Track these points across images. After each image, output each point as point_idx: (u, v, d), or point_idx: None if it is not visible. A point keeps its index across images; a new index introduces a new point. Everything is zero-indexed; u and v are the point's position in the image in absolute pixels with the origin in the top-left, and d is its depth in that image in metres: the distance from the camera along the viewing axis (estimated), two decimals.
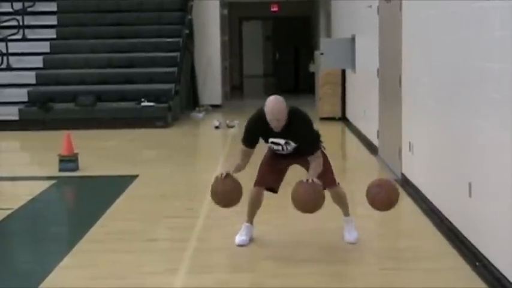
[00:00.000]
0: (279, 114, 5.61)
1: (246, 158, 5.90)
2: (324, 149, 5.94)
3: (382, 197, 5.67)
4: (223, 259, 5.89)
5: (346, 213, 6.17)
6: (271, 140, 5.83)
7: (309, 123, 5.81)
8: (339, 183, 6.06)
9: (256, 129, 5.81)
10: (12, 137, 13.67)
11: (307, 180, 5.52)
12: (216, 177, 5.87)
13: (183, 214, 7.35)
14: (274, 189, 6.09)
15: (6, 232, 7.05)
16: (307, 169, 5.85)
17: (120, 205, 7.79)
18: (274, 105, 5.63)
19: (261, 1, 22.55)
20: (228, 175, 5.81)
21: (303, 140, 5.76)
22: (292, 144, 5.79)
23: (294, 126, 5.70)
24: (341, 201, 6.12)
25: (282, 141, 5.79)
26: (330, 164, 5.98)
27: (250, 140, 5.86)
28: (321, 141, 5.93)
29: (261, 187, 6.04)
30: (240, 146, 5.93)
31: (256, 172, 6.08)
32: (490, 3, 5.15)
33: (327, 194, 5.84)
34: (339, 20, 16.05)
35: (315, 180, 5.54)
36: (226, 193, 5.79)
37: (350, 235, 6.07)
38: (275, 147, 5.87)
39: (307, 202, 5.52)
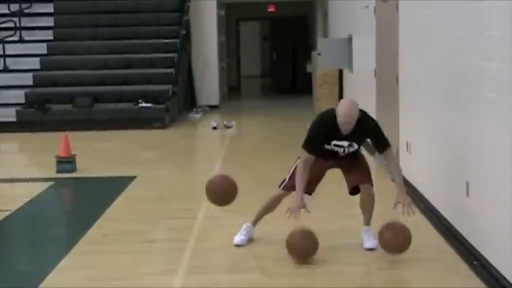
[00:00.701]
0: (352, 118, 5.55)
1: (309, 167, 5.69)
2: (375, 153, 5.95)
3: (396, 244, 5.62)
4: (221, 260, 5.89)
5: (368, 221, 6.01)
6: (334, 142, 5.71)
7: (378, 125, 5.82)
8: (373, 186, 5.93)
9: (325, 133, 5.67)
10: (9, 139, 13.66)
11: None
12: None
13: (181, 215, 7.35)
14: (308, 192, 5.93)
15: (4, 234, 7.05)
16: (347, 174, 5.90)
17: (118, 206, 7.78)
18: (349, 109, 5.55)
19: (258, 1, 22.55)
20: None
21: (376, 140, 5.76)
22: (355, 146, 5.76)
23: (362, 129, 5.65)
24: (369, 204, 5.94)
25: (346, 143, 5.73)
26: (367, 165, 5.97)
27: (317, 144, 5.67)
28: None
29: (288, 191, 5.95)
30: (304, 156, 5.69)
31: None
32: (486, 3, 5.16)
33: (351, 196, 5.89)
34: (336, 20, 16.07)
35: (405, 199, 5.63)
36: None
37: (369, 242, 5.92)
38: (336, 149, 5.75)
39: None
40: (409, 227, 6.80)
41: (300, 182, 5.65)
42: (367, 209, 5.98)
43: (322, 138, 5.67)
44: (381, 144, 5.75)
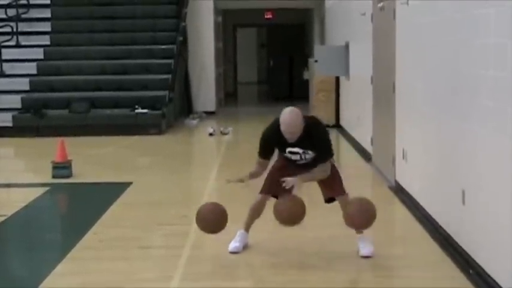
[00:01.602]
0: (294, 127, 5.60)
1: (261, 168, 5.92)
2: (334, 161, 5.96)
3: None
4: (217, 266, 5.89)
5: (359, 231, 6.01)
6: (288, 149, 5.79)
7: (326, 133, 5.85)
8: (347, 194, 5.98)
9: (272, 141, 5.80)
10: (5, 144, 13.64)
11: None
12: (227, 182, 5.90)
13: (177, 221, 7.34)
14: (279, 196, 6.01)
15: (0, 239, 7.04)
16: (320, 184, 5.94)
17: (114, 212, 7.77)
18: (289, 119, 5.60)
19: (256, 8, 22.58)
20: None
21: (320, 149, 5.76)
22: (311, 154, 5.78)
23: (311, 136, 5.69)
24: None
25: (299, 150, 5.76)
26: (339, 175, 5.97)
27: (265, 152, 5.87)
28: (332, 151, 5.94)
29: (266, 195, 6.00)
30: (257, 158, 5.91)
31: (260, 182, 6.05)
32: (483, 10, 5.17)
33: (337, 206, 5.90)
34: (333, 27, 16.09)
35: (302, 181, 5.66)
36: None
37: (365, 249, 5.92)
38: (293, 156, 5.83)
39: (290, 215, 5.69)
40: (405, 235, 6.82)
41: (251, 171, 5.89)
42: None
43: (270, 145, 5.83)
44: (321, 156, 5.78)
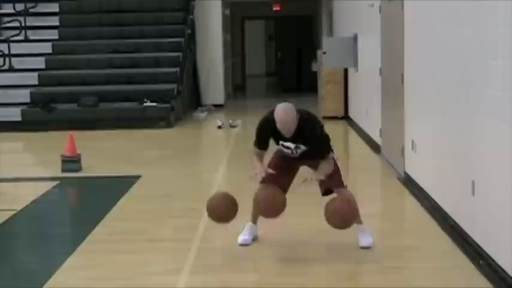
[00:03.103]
0: (287, 123, 5.62)
1: (261, 157, 5.95)
2: (334, 154, 5.94)
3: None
4: (226, 259, 5.89)
5: (358, 221, 6.00)
6: (281, 143, 5.84)
7: (320, 128, 5.83)
8: (346, 186, 5.99)
9: (267, 133, 5.84)
10: (15, 138, 13.67)
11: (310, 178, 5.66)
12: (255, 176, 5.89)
13: (186, 214, 7.35)
14: (283, 189, 6.03)
15: (10, 233, 7.06)
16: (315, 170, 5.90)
17: (123, 205, 7.79)
18: (283, 115, 5.62)
19: (264, 0, 22.53)
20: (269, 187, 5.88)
21: (315, 145, 5.76)
22: (302, 148, 5.80)
23: (305, 131, 5.69)
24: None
25: (292, 145, 5.80)
26: (338, 167, 5.95)
27: (261, 143, 5.90)
28: (331, 146, 5.93)
29: (268, 185, 5.98)
30: (253, 149, 5.94)
31: None
32: (493, 0, 5.14)
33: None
34: (341, 19, 16.05)
35: (320, 176, 5.66)
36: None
37: (364, 240, 5.95)
38: (285, 150, 5.87)
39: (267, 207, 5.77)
40: (415, 226, 6.82)
41: (255, 158, 5.90)
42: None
43: (265, 137, 5.87)
44: (319, 151, 5.79)
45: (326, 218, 5.71)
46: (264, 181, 5.97)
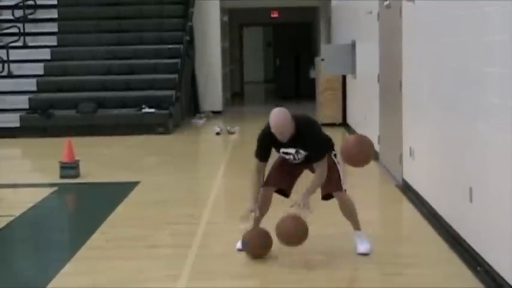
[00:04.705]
0: (281, 127, 5.63)
1: (261, 173, 5.93)
2: (335, 156, 5.95)
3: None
4: (224, 265, 5.89)
5: (356, 227, 6.01)
6: (282, 150, 5.85)
7: (316, 131, 5.84)
8: (345, 190, 5.98)
9: (267, 143, 5.84)
10: (13, 144, 13.68)
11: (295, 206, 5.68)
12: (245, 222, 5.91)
13: (184, 220, 7.35)
14: (285, 193, 6.06)
15: (8, 239, 7.06)
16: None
17: (121, 212, 7.79)
18: (276, 119, 5.64)
19: (262, 7, 22.58)
20: (255, 225, 5.92)
21: (311, 147, 5.76)
22: (303, 153, 5.80)
23: (302, 135, 5.71)
24: (348, 211, 6.00)
25: (292, 150, 5.81)
26: (338, 170, 5.94)
27: (262, 154, 5.89)
28: (333, 149, 5.94)
29: (269, 187, 6.00)
30: (254, 161, 5.93)
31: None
32: (490, 7, 5.16)
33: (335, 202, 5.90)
34: (339, 26, 16.08)
35: (307, 198, 5.67)
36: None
37: (362, 246, 5.94)
38: (287, 156, 5.88)
39: (291, 236, 5.72)
40: (412, 232, 6.82)
41: (252, 188, 5.90)
42: (348, 215, 6.03)
43: (266, 147, 5.86)
44: (314, 155, 5.79)
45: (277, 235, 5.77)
46: (266, 183, 5.98)
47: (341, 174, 5.95)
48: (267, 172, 6.03)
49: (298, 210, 5.66)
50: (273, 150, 5.92)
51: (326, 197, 6.01)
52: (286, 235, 5.73)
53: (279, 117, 5.65)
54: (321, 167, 5.76)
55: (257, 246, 5.88)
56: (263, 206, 6.04)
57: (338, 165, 5.94)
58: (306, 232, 5.72)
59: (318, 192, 5.96)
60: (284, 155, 5.89)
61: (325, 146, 5.85)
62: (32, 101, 15.03)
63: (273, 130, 5.65)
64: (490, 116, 5.20)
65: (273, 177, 5.99)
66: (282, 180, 5.98)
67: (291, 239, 5.76)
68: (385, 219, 7.65)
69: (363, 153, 5.87)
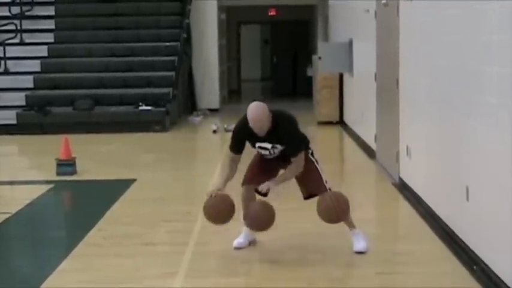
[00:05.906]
0: (259, 121, 5.68)
1: (234, 165, 5.96)
2: (312, 155, 5.95)
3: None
4: (221, 263, 5.90)
5: (350, 225, 6.01)
6: (258, 144, 5.88)
7: (294, 126, 5.86)
8: (330, 189, 5.94)
9: (242, 136, 5.88)
10: (10, 141, 13.67)
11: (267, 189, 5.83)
12: (208, 196, 5.93)
13: (181, 218, 7.35)
14: (264, 192, 6.05)
15: (4, 236, 7.05)
16: (298, 181, 5.99)
17: (118, 209, 7.79)
18: (254, 113, 5.70)
19: (259, 5, 22.56)
20: (218, 194, 5.89)
21: (288, 143, 5.79)
22: (279, 148, 5.83)
23: (279, 130, 5.74)
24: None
25: (268, 145, 5.83)
26: (318, 169, 5.94)
27: (236, 146, 5.93)
28: (309, 147, 5.95)
29: (249, 185, 6.02)
30: (228, 153, 5.99)
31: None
32: (487, 6, 5.17)
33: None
34: (336, 24, 16.08)
35: (275, 184, 5.78)
36: (218, 211, 5.90)
37: (358, 244, 5.94)
38: (262, 151, 5.91)
39: (259, 220, 5.82)
40: (409, 231, 6.83)
41: (222, 171, 6.15)
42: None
43: (241, 140, 5.91)
44: (290, 150, 5.81)
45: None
46: (244, 181, 6.03)
47: (321, 173, 5.94)
48: (243, 172, 6.04)
49: (265, 190, 5.81)
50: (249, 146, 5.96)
51: (309, 197, 6.04)
52: (256, 220, 5.82)
53: (257, 111, 5.71)
54: (298, 161, 5.80)
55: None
56: (248, 202, 6.03)
57: (316, 164, 5.95)
58: (272, 215, 5.80)
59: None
60: (260, 150, 5.90)
61: (301, 141, 5.87)
62: (28, 98, 15.01)
63: (250, 124, 5.70)
64: (486, 114, 5.20)
65: (250, 176, 6.02)
66: (260, 178, 5.94)
67: (260, 224, 5.84)
68: (382, 217, 7.66)
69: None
